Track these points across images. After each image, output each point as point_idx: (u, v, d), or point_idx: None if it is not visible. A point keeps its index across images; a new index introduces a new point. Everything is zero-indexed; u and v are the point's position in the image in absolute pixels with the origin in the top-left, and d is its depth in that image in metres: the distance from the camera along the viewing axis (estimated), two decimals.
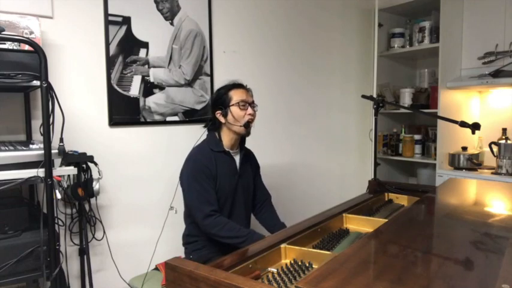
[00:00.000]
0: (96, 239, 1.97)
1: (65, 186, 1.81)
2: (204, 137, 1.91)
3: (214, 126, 1.88)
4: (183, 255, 1.90)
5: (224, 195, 1.81)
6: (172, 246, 2.13)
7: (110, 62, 2.04)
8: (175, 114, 2.29)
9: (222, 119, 1.83)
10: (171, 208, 2.01)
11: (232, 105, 1.80)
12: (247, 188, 1.94)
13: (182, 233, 1.92)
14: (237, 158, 1.90)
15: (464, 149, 2.88)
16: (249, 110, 1.83)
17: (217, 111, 1.84)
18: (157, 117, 2.22)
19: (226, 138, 1.86)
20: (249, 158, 1.99)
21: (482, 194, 1.88)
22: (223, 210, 1.81)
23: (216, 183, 1.79)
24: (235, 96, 1.82)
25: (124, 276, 2.03)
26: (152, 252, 2.04)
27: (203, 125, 1.96)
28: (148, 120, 2.19)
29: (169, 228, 2.12)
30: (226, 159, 1.85)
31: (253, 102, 1.87)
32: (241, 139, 1.92)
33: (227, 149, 1.86)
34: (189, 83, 2.33)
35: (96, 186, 1.81)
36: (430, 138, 3.26)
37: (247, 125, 1.82)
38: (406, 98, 3.21)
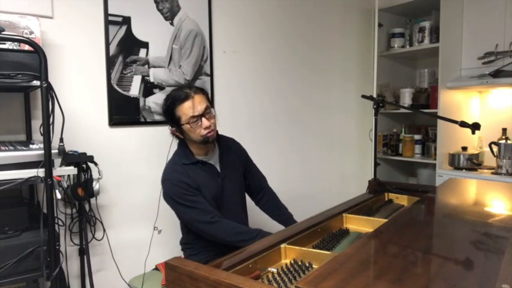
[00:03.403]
0: (96, 239, 1.97)
1: (65, 186, 1.81)
2: (175, 146, 1.78)
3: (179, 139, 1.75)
4: (182, 256, 1.90)
5: (212, 202, 1.70)
6: (172, 246, 2.13)
7: (110, 62, 2.04)
8: None
9: (181, 136, 1.71)
10: (155, 228, 1.98)
11: (183, 124, 1.65)
12: (238, 187, 1.84)
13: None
14: (215, 160, 1.78)
15: (464, 149, 2.88)
16: (204, 123, 1.64)
17: (172, 129, 1.71)
18: (157, 117, 2.22)
19: (195, 149, 1.73)
20: (229, 152, 1.85)
21: (482, 194, 1.87)
22: None
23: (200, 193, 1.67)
24: (183, 114, 1.64)
25: (124, 276, 2.03)
26: (152, 252, 2.04)
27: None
28: (148, 120, 2.19)
29: (169, 228, 2.12)
30: (203, 168, 1.72)
31: (206, 108, 1.66)
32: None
33: (199, 158, 1.72)
34: (189, 83, 2.33)
35: (96, 186, 1.81)
36: (430, 138, 3.26)
37: (207, 140, 1.67)
38: (406, 98, 3.21)
